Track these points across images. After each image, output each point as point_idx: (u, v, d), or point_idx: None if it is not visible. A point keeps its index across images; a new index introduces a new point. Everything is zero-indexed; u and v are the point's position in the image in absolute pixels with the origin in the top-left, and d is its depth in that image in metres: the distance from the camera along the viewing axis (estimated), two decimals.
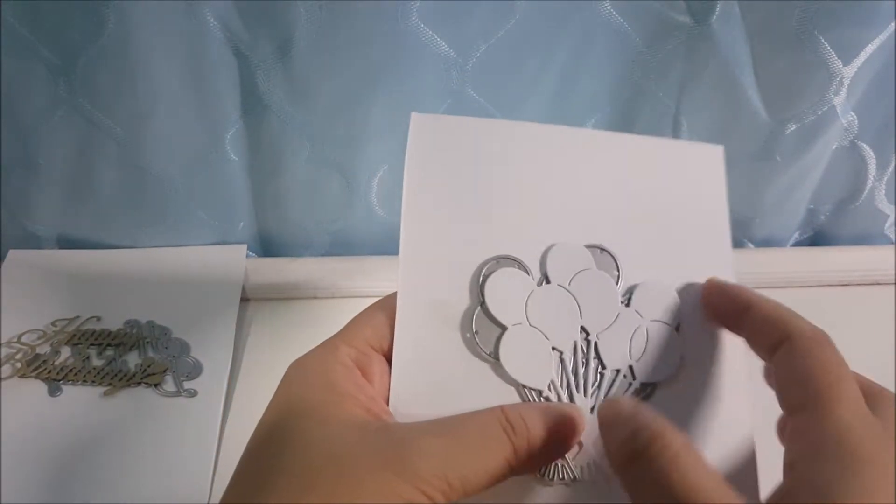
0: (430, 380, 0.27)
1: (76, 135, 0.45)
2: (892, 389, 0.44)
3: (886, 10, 0.41)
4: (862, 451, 0.20)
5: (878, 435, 0.21)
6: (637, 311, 0.28)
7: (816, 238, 0.57)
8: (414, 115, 0.31)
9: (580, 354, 0.28)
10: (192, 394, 0.43)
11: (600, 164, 0.31)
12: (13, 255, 0.51)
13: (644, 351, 0.28)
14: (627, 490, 0.22)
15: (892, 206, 0.54)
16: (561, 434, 0.25)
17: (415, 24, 0.40)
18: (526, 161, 0.31)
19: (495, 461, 0.23)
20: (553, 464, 0.27)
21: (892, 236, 0.56)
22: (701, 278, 0.29)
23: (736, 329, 0.27)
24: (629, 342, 0.28)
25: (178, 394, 0.43)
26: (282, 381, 0.25)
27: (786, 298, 0.50)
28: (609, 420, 0.24)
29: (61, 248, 0.52)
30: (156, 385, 0.44)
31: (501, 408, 0.24)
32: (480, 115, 0.45)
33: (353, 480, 0.21)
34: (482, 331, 0.28)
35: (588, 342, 0.28)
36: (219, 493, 0.36)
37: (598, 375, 0.28)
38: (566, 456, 0.27)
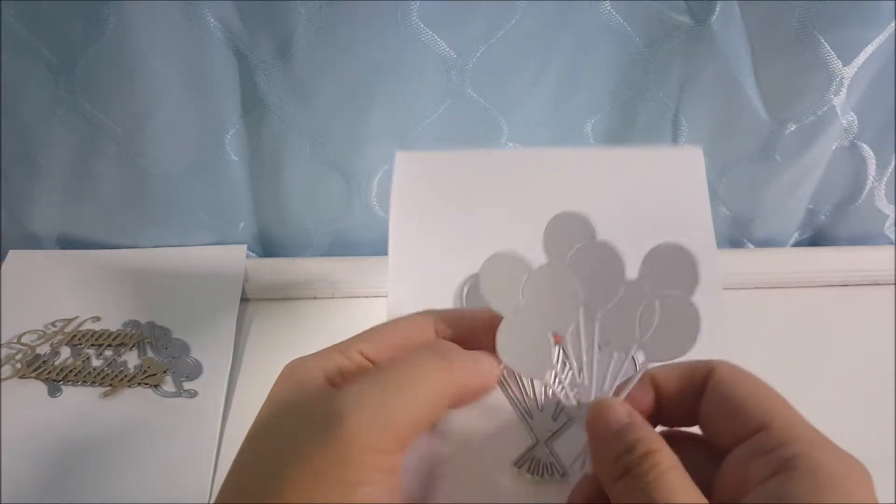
0: None
1: (76, 135, 0.45)
2: (893, 390, 0.44)
3: (886, 10, 0.41)
4: (831, 465, 0.21)
5: (831, 444, 0.22)
6: (647, 283, 0.25)
7: (816, 238, 0.57)
8: (399, 152, 0.32)
9: (582, 338, 0.26)
10: (192, 394, 0.43)
11: (580, 181, 0.31)
12: (13, 255, 0.51)
13: (655, 328, 0.25)
14: (615, 502, 0.23)
15: (892, 207, 0.54)
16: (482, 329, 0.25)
17: (415, 24, 0.40)
18: (506, 185, 0.32)
19: (432, 378, 0.23)
20: (541, 461, 0.27)
21: (892, 236, 0.56)
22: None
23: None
24: (638, 319, 0.26)
25: (177, 394, 0.43)
26: (277, 378, 0.26)
27: (785, 299, 0.51)
28: (600, 431, 0.24)
29: (61, 248, 0.52)
30: (156, 386, 0.44)
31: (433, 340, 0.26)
32: (480, 115, 0.45)
33: (297, 476, 0.21)
34: None
35: (593, 323, 0.26)
36: None
37: (608, 358, 0.26)
38: (555, 451, 0.27)
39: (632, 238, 0.29)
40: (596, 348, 0.26)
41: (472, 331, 0.27)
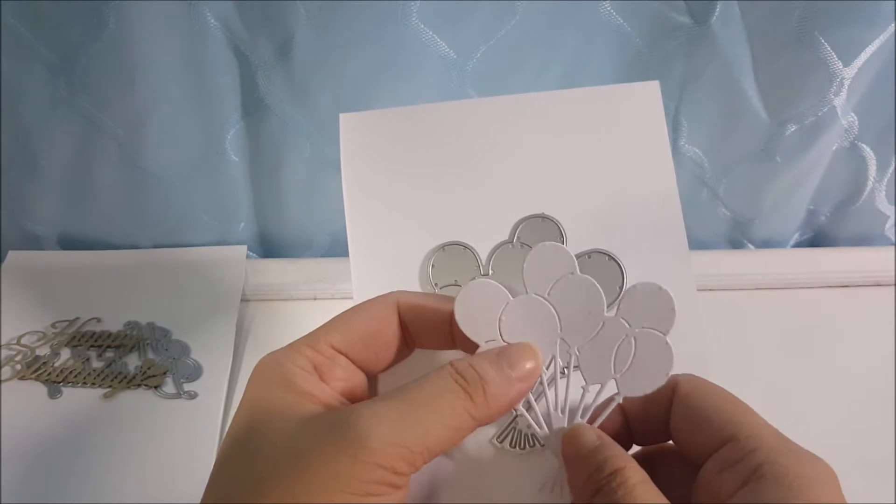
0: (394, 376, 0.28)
1: (76, 135, 0.45)
2: (893, 390, 0.44)
3: (887, 10, 0.41)
4: (797, 469, 0.22)
5: (796, 448, 0.23)
6: (625, 320, 0.26)
7: (817, 239, 0.57)
8: (342, 115, 0.31)
9: (558, 370, 0.26)
10: (193, 395, 0.43)
11: (535, 128, 0.30)
12: (13, 256, 0.51)
13: (630, 364, 0.26)
14: None
15: (893, 207, 0.54)
16: (518, 375, 0.25)
17: (415, 24, 0.40)
18: (460, 140, 0.30)
19: (454, 413, 0.23)
20: (522, 433, 0.28)
21: (893, 237, 0.56)
22: (652, 224, 0.29)
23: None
24: (613, 354, 0.26)
25: (178, 395, 0.43)
26: (249, 380, 0.25)
27: (786, 300, 0.51)
28: (573, 454, 0.25)
29: (61, 248, 0.52)
30: (156, 387, 0.43)
31: (450, 362, 0.24)
32: None
33: (308, 476, 0.21)
34: None
35: (569, 356, 0.26)
36: None
37: (581, 390, 0.26)
38: (534, 424, 0.27)
39: (594, 178, 0.28)
40: (570, 380, 0.26)
41: (435, 322, 0.27)
